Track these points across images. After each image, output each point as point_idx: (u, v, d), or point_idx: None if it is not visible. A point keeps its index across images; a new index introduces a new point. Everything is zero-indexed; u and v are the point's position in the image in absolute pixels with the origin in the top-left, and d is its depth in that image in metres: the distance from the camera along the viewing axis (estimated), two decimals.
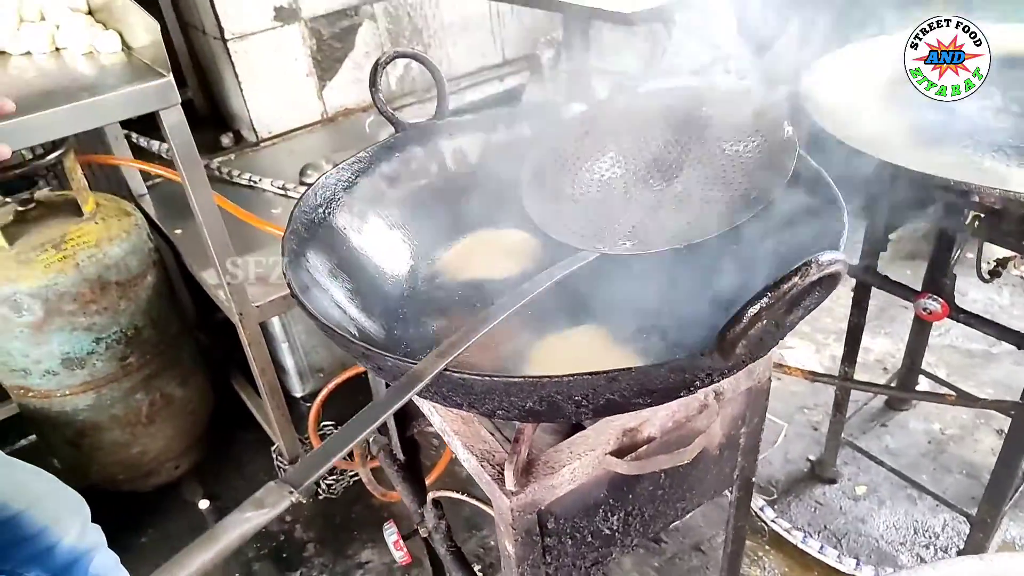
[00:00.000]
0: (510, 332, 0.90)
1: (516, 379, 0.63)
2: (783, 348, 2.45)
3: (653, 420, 0.88)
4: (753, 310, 0.57)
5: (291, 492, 0.53)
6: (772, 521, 1.85)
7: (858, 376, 2.26)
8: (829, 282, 0.61)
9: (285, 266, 0.83)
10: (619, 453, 0.86)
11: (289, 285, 0.80)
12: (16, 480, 1.23)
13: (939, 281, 1.54)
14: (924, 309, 1.45)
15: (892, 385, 1.89)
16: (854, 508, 1.91)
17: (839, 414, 1.86)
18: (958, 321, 1.48)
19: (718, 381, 0.73)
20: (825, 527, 1.88)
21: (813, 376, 1.60)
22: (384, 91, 2.66)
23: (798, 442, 2.12)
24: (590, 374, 0.63)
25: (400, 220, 1.01)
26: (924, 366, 2.12)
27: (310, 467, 0.55)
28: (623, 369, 0.62)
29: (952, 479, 1.96)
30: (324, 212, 0.95)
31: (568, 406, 0.67)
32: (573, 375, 0.63)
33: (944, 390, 1.98)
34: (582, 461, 0.84)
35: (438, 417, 0.93)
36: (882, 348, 2.42)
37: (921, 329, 1.96)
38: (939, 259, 1.63)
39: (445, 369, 0.65)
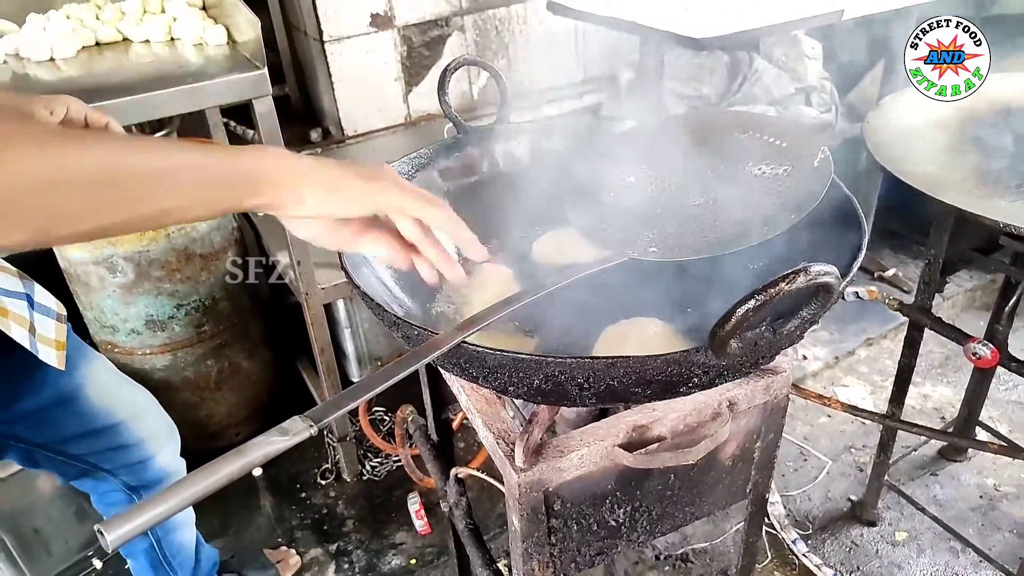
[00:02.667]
0: (583, 316, 0.95)
1: (523, 356, 0.69)
2: (837, 385, 2.41)
3: (664, 420, 0.93)
4: (741, 310, 0.62)
5: (311, 425, 0.61)
6: (803, 555, 1.84)
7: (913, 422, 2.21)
8: (823, 294, 0.66)
9: None
10: (628, 447, 0.91)
11: (341, 260, 0.89)
12: (122, 393, 1.38)
13: (993, 327, 1.51)
14: (974, 354, 1.43)
15: (939, 429, 1.85)
16: (891, 553, 1.87)
17: (883, 455, 1.83)
18: (1009, 369, 1.45)
19: (719, 382, 0.77)
20: (858, 568, 1.84)
21: (853, 410, 1.59)
22: (466, 101, 2.80)
23: (841, 481, 2.09)
24: (590, 358, 0.69)
25: None
26: (986, 419, 2.06)
27: (331, 408, 0.63)
28: (620, 356, 0.68)
29: (1000, 537, 1.89)
30: None
31: (571, 388, 0.72)
32: (575, 357, 0.69)
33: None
34: (591, 449, 0.89)
35: (465, 396, 1.00)
36: (942, 397, 2.35)
37: (982, 378, 1.91)
38: (1000, 306, 1.60)
39: (462, 342, 0.72)
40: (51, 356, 1.18)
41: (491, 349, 0.71)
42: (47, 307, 1.23)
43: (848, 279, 0.72)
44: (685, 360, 0.69)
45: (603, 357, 0.68)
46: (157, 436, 1.42)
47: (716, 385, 0.78)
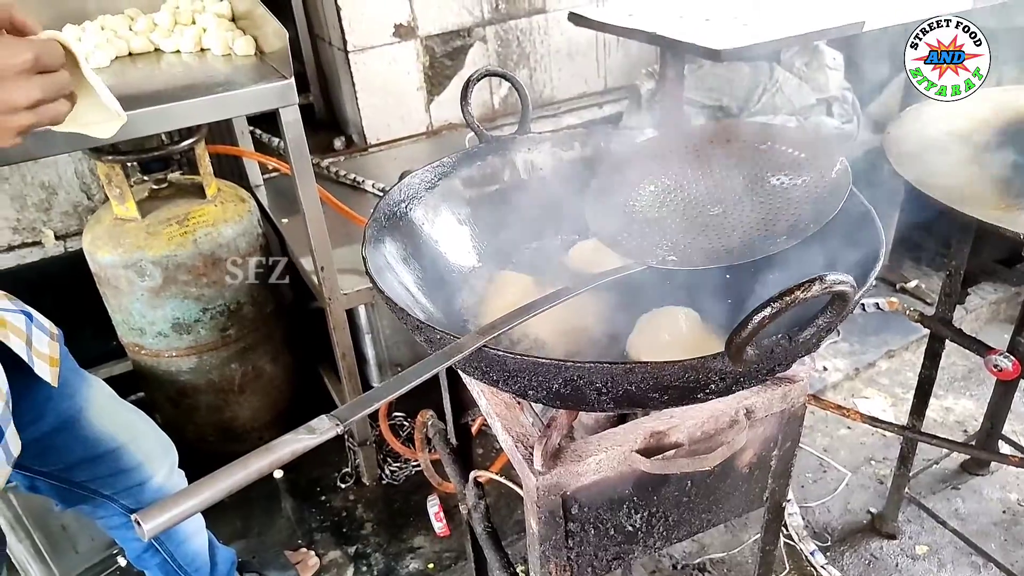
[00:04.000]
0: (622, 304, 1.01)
1: (543, 360, 0.71)
2: (857, 397, 2.40)
3: (682, 427, 0.94)
4: (757, 318, 0.63)
5: (338, 424, 0.63)
6: (822, 567, 1.83)
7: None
8: (839, 303, 0.66)
9: (364, 249, 0.94)
10: (645, 453, 0.92)
11: (366, 265, 0.91)
12: (121, 417, 1.40)
13: (1015, 339, 1.50)
14: (995, 366, 1.42)
15: (959, 442, 1.83)
16: (911, 567, 1.86)
17: (904, 467, 1.82)
18: None
19: (736, 389, 0.78)
20: None
21: (873, 421, 1.59)
22: (487, 110, 2.83)
23: (861, 493, 2.08)
24: (608, 363, 0.70)
25: (469, 218, 1.11)
26: (1009, 433, 2.04)
27: (356, 408, 0.65)
28: (639, 362, 0.69)
29: (1023, 552, 1.86)
30: (405, 207, 1.07)
31: (590, 392, 0.74)
32: (593, 362, 0.70)
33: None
34: (608, 454, 0.90)
35: (484, 400, 1.02)
36: (965, 410, 2.33)
37: (1006, 391, 1.89)
38: (1023, 318, 1.59)
39: (484, 346, 0.74)
40: (45, 371, 1.18)
41: (511, 353, 0.72)
42: (42, 324, 1.24)
43: (864, 289, 0.73)
44: (702, 366, 0.70)
45: (621, 362, 0.70)
46: (154, 457, 1.44)
47: (733, 392, 0.79)
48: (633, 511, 0.98)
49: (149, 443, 1.44)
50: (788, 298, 0.62)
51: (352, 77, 2.60)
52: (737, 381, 0.75)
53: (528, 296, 1.02)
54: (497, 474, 1.08)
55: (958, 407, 2.35)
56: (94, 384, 1.36)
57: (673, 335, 0.94)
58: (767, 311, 0.62)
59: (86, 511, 1.45)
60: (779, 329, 0.69)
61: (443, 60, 2.75)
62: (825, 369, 2.47)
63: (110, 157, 1.78)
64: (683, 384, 0.73)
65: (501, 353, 0.73)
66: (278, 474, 2.23)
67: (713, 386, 0.74)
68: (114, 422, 1.36)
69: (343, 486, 2.18)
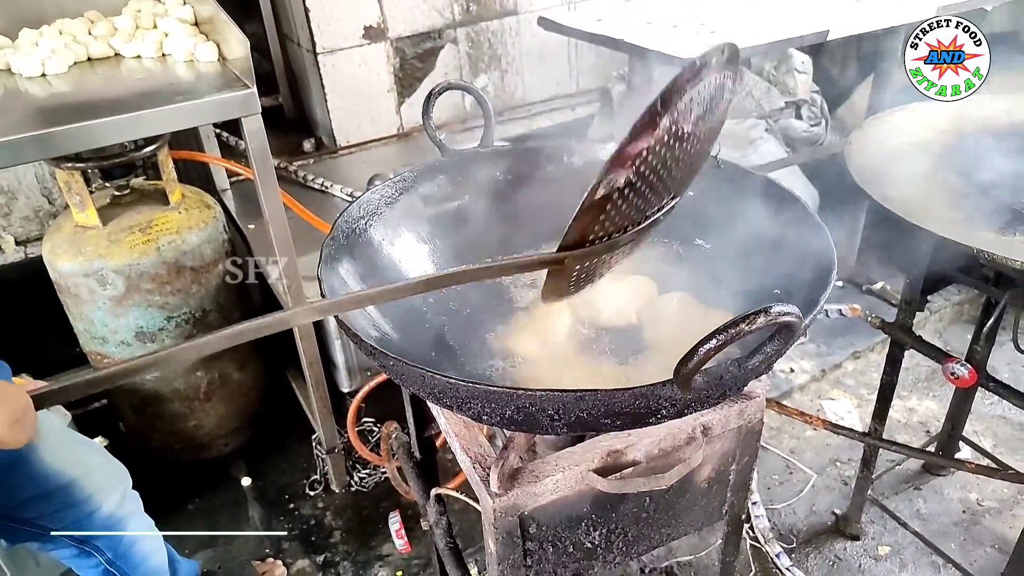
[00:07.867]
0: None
1: (494, 388, 0.71)
2: (823, 398, 2.43)
3: (639, 445, 0.94)
4: (703, 349, 0.63)
5: None
6: (787, 569, 1.85)
7: (898, 436, 2.24)
8: (786, 332, 0.67)
9: (320, 269, 0.93)
10: (603, 472, 0.93)
11: (320, 286, 0.90)
12: (74, 451, 1.38)
13: (972, 347, 1.53)
14: (952, 374, 1.45)
15: (918, 448, 1.87)
16: (874, 567, 1.89)
17: (866, 470, 1.84)
18: (988, 390, 1.47)
19: (688, 412, 0.79)
20: None
21: (834, 428, 1.61)
22: (458, 112, 2.81)
23: (826, 495, 2.11)
24: (559, 391, 0.70)
25: (429, 236, 1.11)
26: (970, 434, 2.08)
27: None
28: (588, 389, 0.69)
29: (982, 552, 1.90)
30: (364, 224, 1.06)
31: (542, 418, 0.74)
32: (545, 390, 0.70)
33: (985, 461, 1.94)
34: (565, 474, 0.91)
35: (443, 420, 1.02)
36: (928, 410, 2.37)
37: (965, 394, 1.92)
38: (980, 325, 1.62)
39: (427, 370, 0.73)
40: None
41: (463, 380, 0.72)
42: None
43: (811, 317, 0.74)
44: (652, 394, 0.70)
45: (571, 390, 0.70)
46: (104, 487, 1.43)
47: (685, 415, 0.80)
48: (592, 528, 0.99)
49: (100, 474, 1.43)
50: (733, 330, 0.62)
51: (321, 79, 2.57)
52: (688, 406, 0.76)
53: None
54: (458, 489, 1.08)
55: (921, 408, 2.39)
56: (44, 421, 1.34)
57: (684, 319, 0.99)
58: (712, 343, 0.63)
59: (33, 548, 1.43)
60: (728, 356, 0.70)
61: (414, 62, 2.73)
62: (792, 371, 2.50)
63: (69, 164, 1.75)
64: (634, 410, 0.73)
65: (453, 381, 0.72)
66: (246, 481, 2.21)
67: (664, 412, 0.74)
68: (65, 457, 1.35)
69: (312, 493, 2.17)
